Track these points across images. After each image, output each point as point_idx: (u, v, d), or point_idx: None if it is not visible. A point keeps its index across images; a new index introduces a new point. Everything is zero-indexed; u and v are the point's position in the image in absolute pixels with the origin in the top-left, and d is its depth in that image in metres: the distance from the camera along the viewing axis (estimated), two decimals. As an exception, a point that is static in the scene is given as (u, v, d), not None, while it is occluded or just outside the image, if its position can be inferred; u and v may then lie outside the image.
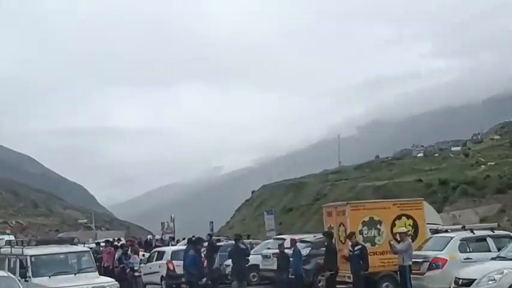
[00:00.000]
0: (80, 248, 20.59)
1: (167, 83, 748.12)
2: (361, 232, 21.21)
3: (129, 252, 26.24)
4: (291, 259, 22.04)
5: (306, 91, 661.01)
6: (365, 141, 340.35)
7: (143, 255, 31.55)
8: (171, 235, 54.03)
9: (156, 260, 28.62)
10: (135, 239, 45.70)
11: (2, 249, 20.83)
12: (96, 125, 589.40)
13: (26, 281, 17.84)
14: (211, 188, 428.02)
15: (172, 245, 37.89)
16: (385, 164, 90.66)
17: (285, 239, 25.59)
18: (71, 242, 20.99)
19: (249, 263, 24.81)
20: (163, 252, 29.03)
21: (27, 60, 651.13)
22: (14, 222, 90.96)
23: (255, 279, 28.05)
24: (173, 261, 27.16)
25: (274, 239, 30.45)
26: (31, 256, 18.73)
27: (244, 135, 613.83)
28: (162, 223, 59.62)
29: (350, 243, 19.93)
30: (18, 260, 18.91)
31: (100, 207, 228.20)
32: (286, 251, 22.90)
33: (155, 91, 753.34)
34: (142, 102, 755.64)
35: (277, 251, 23.51)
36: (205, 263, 23.31)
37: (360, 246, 19.61)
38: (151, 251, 31.71)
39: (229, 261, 25.90)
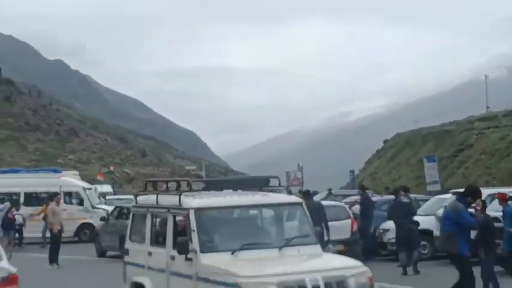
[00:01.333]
0: (285, 197, 12.43)
1: (289, 19, 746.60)
2: None
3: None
4: (496, 225, 14.76)
5: (444, 26, 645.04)
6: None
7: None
8: (299, 187, 49.58)
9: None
10: (255, 193, 45.70)
11: (139, 198, 12.87)
12: (208, 64, 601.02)
13: (187, 259, 10.56)
14: (337, 137, 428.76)
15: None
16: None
17: None
18: (265, 184, 12.27)
19: (418, 227, 20.17)
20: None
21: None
22: (111, 168, 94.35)
23: (426, 251, 22.07)
24: None
25: (453, 193, 23.23)
26: (197, 210, 10.86)
27: (374, 77, 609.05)
28: (288, 172, 56.43)
29: None
30: (171, 218, 11.40)
31: (214, 156, 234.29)
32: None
33: (275, 27, 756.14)
34: (259, 39, 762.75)
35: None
36: (354, 226, 21.30)
37: None
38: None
39: (388, 224, 22.11)
